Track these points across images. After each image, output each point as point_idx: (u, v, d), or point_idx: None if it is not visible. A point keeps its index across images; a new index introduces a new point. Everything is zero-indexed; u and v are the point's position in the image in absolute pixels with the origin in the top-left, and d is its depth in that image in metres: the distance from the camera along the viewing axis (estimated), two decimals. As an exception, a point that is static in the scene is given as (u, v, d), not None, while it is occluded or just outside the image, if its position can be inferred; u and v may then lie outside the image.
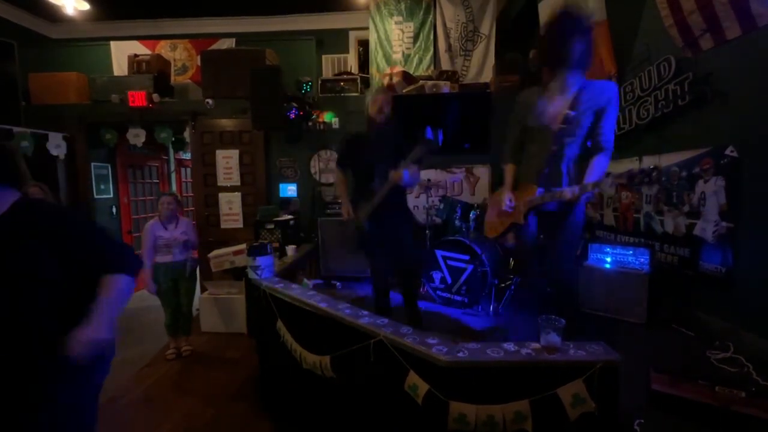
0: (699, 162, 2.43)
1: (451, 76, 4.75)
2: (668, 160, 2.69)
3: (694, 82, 2.42)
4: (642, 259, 2.80)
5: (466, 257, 3.12)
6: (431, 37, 5.08)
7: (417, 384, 1.48)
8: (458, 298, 3.20)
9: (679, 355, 2.20)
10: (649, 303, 2.65)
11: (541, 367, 1.38)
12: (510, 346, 1.47)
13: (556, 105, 1.90)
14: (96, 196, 4.80)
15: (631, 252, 2.87)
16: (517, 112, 2.12)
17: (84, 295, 1.24)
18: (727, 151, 2.23)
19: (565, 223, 1.95)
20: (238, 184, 4.55)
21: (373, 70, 5.17)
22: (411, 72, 4.88)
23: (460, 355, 1.43)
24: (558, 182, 1.92)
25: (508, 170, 2.16)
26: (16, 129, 4.02)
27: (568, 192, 1.80)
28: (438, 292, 3.33)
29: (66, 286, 1.22)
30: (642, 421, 1.58)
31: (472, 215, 3.39)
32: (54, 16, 5.17)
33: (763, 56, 2.05)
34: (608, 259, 2.96)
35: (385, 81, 4.75)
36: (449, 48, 5.08)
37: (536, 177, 1.97)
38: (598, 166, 1.82)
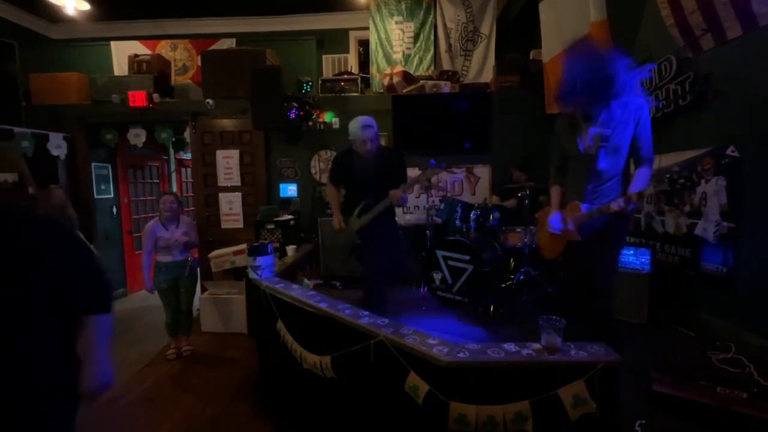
0: (700, 162, 2.43)
1: (452, 76, 4.76)
2: (669, 160, 2.69)
3: (694, 82, 2.42)
4: (643, 260, 2.79)
5: (467, 257, 3.12)
6: (432, 37, 5.08)
7: (417, 384, 1.48)
8: (459, 298, 3.19)
9: (680, 356, 2.19)
10: (650, 303, 2.65)
11: (542, 368, 1.38)
12: (511, 347, 1.47)
13: (591, 131, 1.91)
14: (96, 196, 4.80)
15: (632, 252, 2.86)
16: (557, 140, 2.15)
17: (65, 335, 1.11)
18: (728, 151, 2.22)
19: (612, 234, 1.96)
20: (239, 184, 4.55)
21: (373, 70, 5.17)
22: (411, 72, 4.87)
23: (461, 355, 1.43)
24: (603, 197, 1.93)
25: (554, 192, 2.21)
26: (16, 129, 4.02)
27: (614, 205, 1.81)
28: (438, 293, 3.33)
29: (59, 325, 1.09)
30: (643, 422, 1.57)
31: (472, 215, 3.39)
32: (54, 16, 5.17)
33: (764, 56, 2.05)
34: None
35: (386, 81, 4.74)
36: (449, 48, 5.07)
37: (582, 194, 1.98)
38: (641, 177, 1.83)
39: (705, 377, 1.74)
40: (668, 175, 2.73)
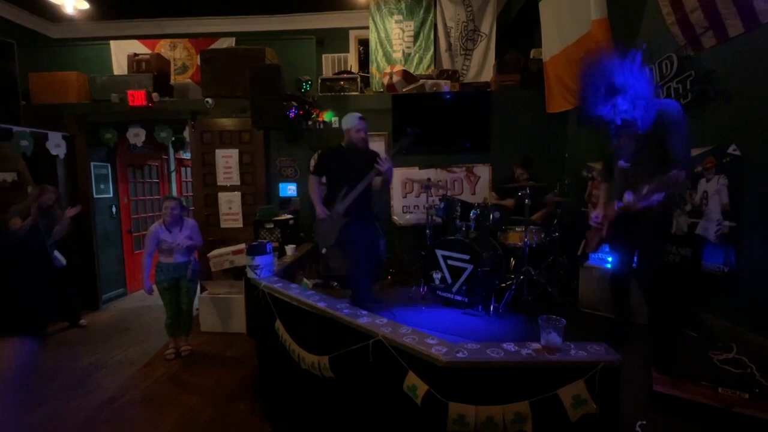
0: (701, 161, 2.41)
1: (452, 75, 4.74)
2: (670, 159, 2.67)
3: (696, 81, 2.40)
4: (644, 259, 2.77)
5: (467, 257, 3.10)
6: (431, 36, 5.06)
7: (416, 384, 1.47)
8: (459, 297, 3.18)
9: (681, 356, 2.17)
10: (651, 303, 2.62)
11: (542, 368, 1.36)
12: (510, 347, 1.46)
13: (626, 133, 2.05)
14: (96, 196, 4.79)
15: (632, 252, 2.84)
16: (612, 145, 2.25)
17: None
18: (730, 150, 2.20)
19: (642, 229, 2.07)
20: (238, 183, 4.54)
21: (373, 69, 5.15)
22: (411, 71, 4.86)
23: (460, 355, 1.42)
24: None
25: (603, 188, 2.38)
26: (16, 128, 4.01)
27: (628, 198, 1.92)
28: (438, 292, 3.31)
29: None
30: (644, 422, 1.56)
31: (472, 214, 3.37)
32: (54, 15, 5.16)
33: (765, 53, 2.03)
34: (609, 259, 2.93)
35: (386, 80, 4.73)
36: (449, 47, 5.06)
37: (618, 194, 2.08)
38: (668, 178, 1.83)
39: (706, 377, 1.72)
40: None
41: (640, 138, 1.97)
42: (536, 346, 1.44)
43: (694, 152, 2.47)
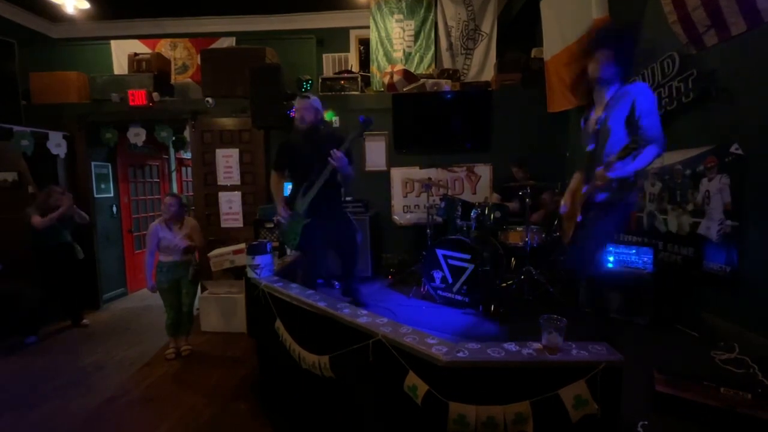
0: (703, 160, 2.40)
1: (453, 74, 4.74)
2: (672, 158, 2.66)
3: (698, 79, 2.39)
4: (645, 259, 2.77)
5: (468, 256, 3.10)
6: (432, 35, 5.05)
7: (416, 384, 1.46)
8: (459, 297, 3.17)
9: (683, 356, 2.16)
10: (653, 303, 2.62)
11: (543, 368, 1.35)
12: (511, 346, 1.45)
13: (594, 114, 2.09)
14: (96, 196, 4.80)
15: (634, 251, 2.84)
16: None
17: None
18: (732, 149, 2.19)
19: (596, 218, 2.06)
20: (238, 183, 4.54)
21: (373, 68, 5.15)
22: (412, 70, 4.85)
23: (460, 355, 1.41)
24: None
25: (573, 178, 2.33)
26: (16, 128, 4.02)
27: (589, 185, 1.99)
28: (439, 292, 3.30)
29: None
30: (645, 423, 1.55)
31: (473, 214, 3.36)
32: (54, 15, 5.16)
33: (768, 52, 2.02)
34: (611, 259, 2.93)
35: (386, 79, 4.72)
36: (450, 46, 5.05)
37: (584, 177, 2.11)
38: (630, 159, 1.87)
39: (708, 378, 1.71)
40: (667, 176, 2.70)
41: (605, 119, 1.97)
42: (537, 345, 1.43)
43: (696, 151, 2.46)
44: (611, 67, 1.94)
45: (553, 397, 1.32)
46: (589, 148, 2.05)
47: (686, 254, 2.58)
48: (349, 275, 2.99)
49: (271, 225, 3.93)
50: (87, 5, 4.67)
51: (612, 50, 1.93)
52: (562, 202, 2.31)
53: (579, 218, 2.12)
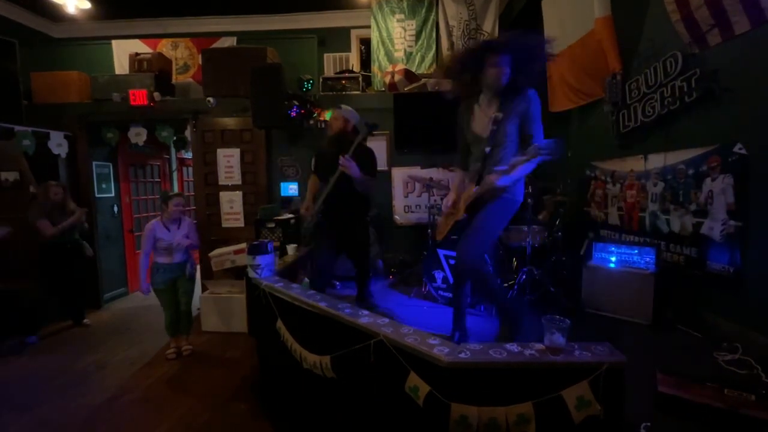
0: (706, 160, 2.39)
1: (454, 74, 4.71)
2: (675, 158, 2.65)
3: (701, 79, 2.38)
4: (647, 259, 2.76)
5: (469, 256, 3.08)
6: (433, 35, 5.04)
7: (418, 385, 1.45)
8: (460, 297, 3.16)
9: (686, 357, 2.15)
10: (655, 303, 2.61)
11: (545, 369, 1.35)
12: (513, 347, 1.44)
13: (486, 113, 2.17)
14: (97, 195, 4.79)
15: (636, 251, 2.83)
16: (459, 123, 2.37)
17: None
18: (736, 149, 2.18)
19: (483, 209, 2.16)
20: (240, 182, 4.53)
21: (374, 68, 5.14)
22: (413, 70, 4.84)
23: (462, 355, 1.40)
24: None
25: (456, 175, 2.45)
26: (17, 128, 4.02)
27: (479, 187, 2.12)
28: (440, 292, 3.30)
29: None
30: (648, 424, 1.54)
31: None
32: (56, 15, 5.16)
33: (772, 51, 2.00)
34: (613, 259, 2.92)
35: (387, 79, 4.71)
36: (452, 46, 5.03)
37: (476, 177, 2.21)
38: (522, 166, 1.96)
39: (712, 379, 1.70)
40: (670, 176, 2.69)
41: (502, 122, 2.08)
42: (539, 346, 1.42)
43: (699, 151, 2.45)
44: (509, 74, 2.04)
45: (555, 398, 1.31)
46: (486, 150, 2.13)
47: (689, 254, 2.57)
48: (360, 281, 3.09)
49: (272, 225, 3.92)
50: (88, 5, 4.67)
51: (510, 57, 2.03)
52: (446, 200, 2.41)
53: (464, 216, 2.24)
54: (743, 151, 2.15)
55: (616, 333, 2.51)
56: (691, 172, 2.52)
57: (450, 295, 3.21)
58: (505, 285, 3.29)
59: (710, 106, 2.38)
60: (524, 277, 3.17)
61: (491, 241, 2.38)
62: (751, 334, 2.13)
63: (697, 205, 2.48)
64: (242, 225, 4.53)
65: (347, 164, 2.58)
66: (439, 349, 1.43)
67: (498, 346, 1.46)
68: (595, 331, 2.55)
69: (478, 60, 2.09)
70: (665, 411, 1.64)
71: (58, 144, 4.35)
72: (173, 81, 5.09)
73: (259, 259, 2.48)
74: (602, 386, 1.29)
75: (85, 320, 4.16)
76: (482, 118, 2.16)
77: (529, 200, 3.20)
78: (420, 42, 5.07)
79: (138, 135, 4.57)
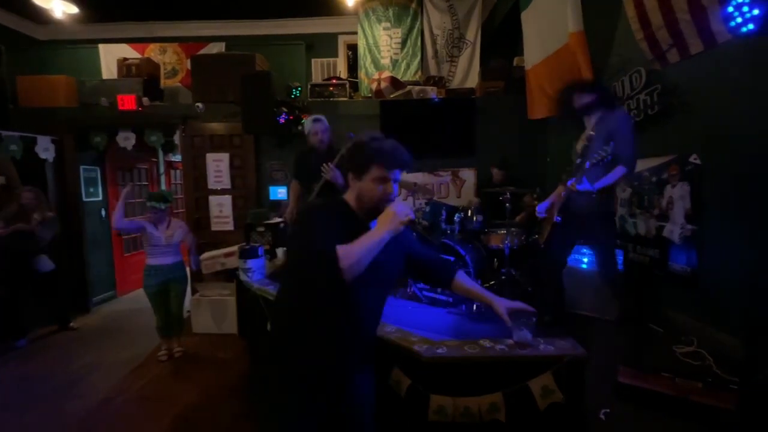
0: (667, 168, 2.58)
1: (438, 81, 4.88)
2: (641, 165, 2.82)
3: (662, 93, 2.57)
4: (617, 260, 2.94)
5: (451, 258, 3.23)
6: (419, 43, 5.19)
7: (400, 380, 1.59)
8: (443, 297, 3.30)
9: (648, 351, 2.34)
10: (622, 301, 2.79)
11: (514, 362, 1.50)
12: (486, 343, 1.59)
13: (586, 132, 2.51)
14: (85, 199, 4.80)
15: (606, 253, 3.00)
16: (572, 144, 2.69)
17: None
18: (691, 159, 2.38)
19: (591, 229, 2.48)
20: (229, 187, 4.60)
21: (361, 74, 5.27)
22: (399, 77, 4.98)
23: (440, 351, 1.54)
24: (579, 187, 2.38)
25: (559, 187, 2.65)
26: (4, 132, 4.01)
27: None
28: (424, 292, 3.43)
29: None
30: (607, 410, 1.71)
31: (456, 218, 3.51)
32: (41, 17, 5.13)
33: (722, 70, 2.20)
34: (585, 260, 3.10)
35: (374, 86, 4.84)
36: (436, 54, 5.20)
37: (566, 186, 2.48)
38: (606, 176, 2.28)
39: (667, 369, 1.87)
40: (636, 182, 2.89)
41: (593, 139, 2.38)
42: (509, 341, 1.57)
43: (661, 160, 2.65)
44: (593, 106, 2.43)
45: (523, 388, 1.47)
46: (578, 161, 2.47)
47: (653, 255, 2.76)
48: None
49: (262, 229, 4.01)
50: (75, 10, 4.67)
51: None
52: (539, 205, 2.65)
53: (557, 219, 2.48)
54: (697, 161, 2.34)
55: (586, 330, 2.68)
56: (654, 179, 2.71)
57: (433, 295, 3.36)
58: (485, 285, 3.44)
59: (670, 119, 2.58)
60: (504, 277, 3.33)
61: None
62: (706, 328, 2.32)
63: (659, 209, 2.67)
64: (232, 228, 4.59)
65: (333, 174, 2.71)
66: (420, 346, 1.57)
67: (473, 342, 1.60)
68: (568, 329, 2.71)
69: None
70: (624, 399, 1.81)
71: (45, 149, 4.35)
72: (162, 85, 5.12)
73: (250, 263, 2.58)
74: (564, 376, 1.45)
75: (71, 324, 4.17)
76: (582, 136, 2.54)
77: (507, 205, 3.37)
78: (405, 50, 5.21)
79: (126, 140, 4.59)
